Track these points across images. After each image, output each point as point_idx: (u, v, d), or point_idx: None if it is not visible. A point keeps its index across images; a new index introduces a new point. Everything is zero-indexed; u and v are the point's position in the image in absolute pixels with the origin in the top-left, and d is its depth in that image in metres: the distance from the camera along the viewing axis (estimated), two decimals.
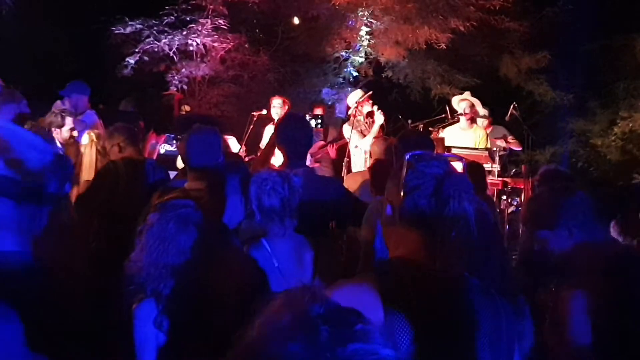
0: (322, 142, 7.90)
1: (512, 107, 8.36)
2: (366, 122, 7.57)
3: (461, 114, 7.70)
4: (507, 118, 8.42)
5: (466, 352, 1.66)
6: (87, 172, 5.34)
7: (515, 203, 7.27)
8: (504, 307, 1.77)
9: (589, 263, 2.46)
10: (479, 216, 2.92)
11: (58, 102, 6.50)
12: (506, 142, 8.07)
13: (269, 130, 7.60)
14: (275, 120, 7.32)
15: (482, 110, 7.99)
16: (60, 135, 5.83)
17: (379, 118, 7.47)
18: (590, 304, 2.37)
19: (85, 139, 5.53)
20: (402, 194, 1.76)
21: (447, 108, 8.34)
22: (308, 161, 6.88)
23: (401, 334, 1.60)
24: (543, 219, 2.60)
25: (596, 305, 2.37)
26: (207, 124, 4.02)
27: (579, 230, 2.52)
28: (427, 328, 1.62)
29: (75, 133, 5.85)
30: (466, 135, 7.64)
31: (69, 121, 5.97)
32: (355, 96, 7.77)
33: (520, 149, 8.48)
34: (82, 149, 5.64)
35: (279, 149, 4.01)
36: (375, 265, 1.76)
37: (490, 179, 7.20)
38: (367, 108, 7.60)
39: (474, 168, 5.13)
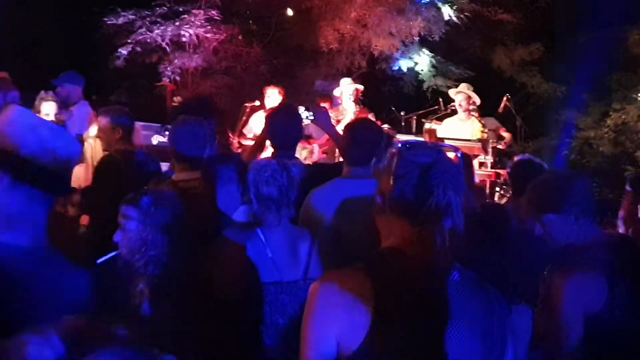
0: None
1: (505, 98, 8.37)
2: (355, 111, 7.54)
3: (455, 107, 7.74)
4: (500, 110, 8.43)
5: (450, 341, 1.67)
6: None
7: (508, 195, 7.28)
8: (498, 300, 1.78)
9: (588, 251, 2.47)
10: (485, 211, 2.93)
11: (42, 91, 6.48)
12: (501, 140, 7.97)
13: (257, 119, 7.54)
14: (266, 109, 7.30)
15: (478, 101, 8.01)
16: None
17: (348, 117, 7.34)
18: (585, 292, 2.38)
19: (92, 131, 5.47)
20: (391, 183, 1.77)
21: (440, 100, 8.35)
22: (316, 152, 6.86)
23: (388, 324, 1.62)
24: (549, 202, 2.59)
25: (590, 294, 2.38)
26: (204, 109, 4.01)
27: (584, 216, 2.53)
28: (409, 319, 1.64)
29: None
30: (464, 126, 7.66)
31: (46, 107, 5.94)
32: (343, 84, 7.74)
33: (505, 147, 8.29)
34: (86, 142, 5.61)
35: (269, 139, 4.03)
36: (367, 256, 1.76)
37: (483, 171, 7.23)
38: (348, 99, 7.55)
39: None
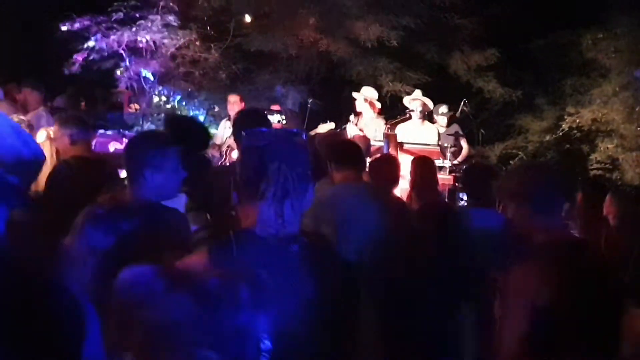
0: None
1: (462, 103, 8.45)
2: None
3: (411, 111, 7.82)
4: (457, 115, 8.51)
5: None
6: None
7: (465, 199, 7.34)
8: (335, 274, 1.91)
9: (538, 245, 2.51)
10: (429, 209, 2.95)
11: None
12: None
13: (221, 126, 7.69)
14: (231, 116, 7.44)
15: (433, 106, 8.07)
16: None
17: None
18: (527, 285, 2.40)
19: (41, 135, 5.27)
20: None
21: (399, 105, 8.42)
22: None
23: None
24: (510, 193, 2.65)
25: (533, 286, 2.39)
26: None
27: (538, 211, 2.53)
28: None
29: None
30: (419, 131, 7.73)
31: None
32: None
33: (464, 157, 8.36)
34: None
35: (236, 142, 4.00)
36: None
37: (442, 175, 7.28)
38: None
39: (422, 162, 5.19)
